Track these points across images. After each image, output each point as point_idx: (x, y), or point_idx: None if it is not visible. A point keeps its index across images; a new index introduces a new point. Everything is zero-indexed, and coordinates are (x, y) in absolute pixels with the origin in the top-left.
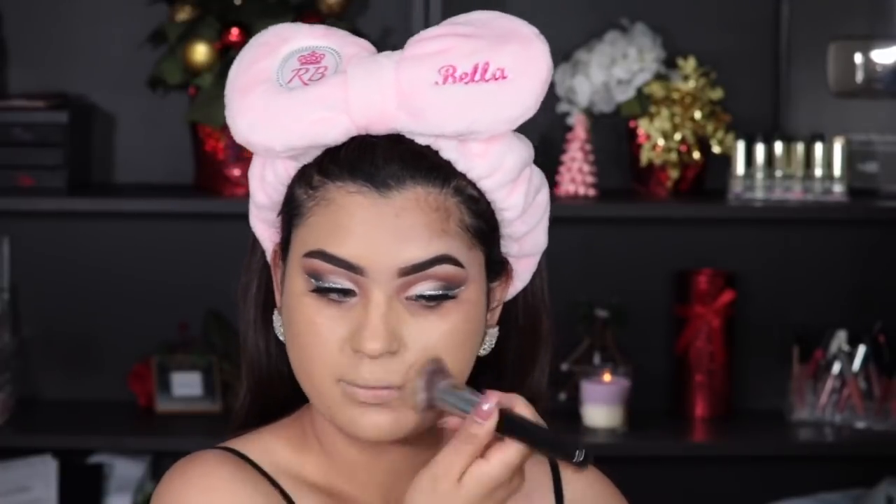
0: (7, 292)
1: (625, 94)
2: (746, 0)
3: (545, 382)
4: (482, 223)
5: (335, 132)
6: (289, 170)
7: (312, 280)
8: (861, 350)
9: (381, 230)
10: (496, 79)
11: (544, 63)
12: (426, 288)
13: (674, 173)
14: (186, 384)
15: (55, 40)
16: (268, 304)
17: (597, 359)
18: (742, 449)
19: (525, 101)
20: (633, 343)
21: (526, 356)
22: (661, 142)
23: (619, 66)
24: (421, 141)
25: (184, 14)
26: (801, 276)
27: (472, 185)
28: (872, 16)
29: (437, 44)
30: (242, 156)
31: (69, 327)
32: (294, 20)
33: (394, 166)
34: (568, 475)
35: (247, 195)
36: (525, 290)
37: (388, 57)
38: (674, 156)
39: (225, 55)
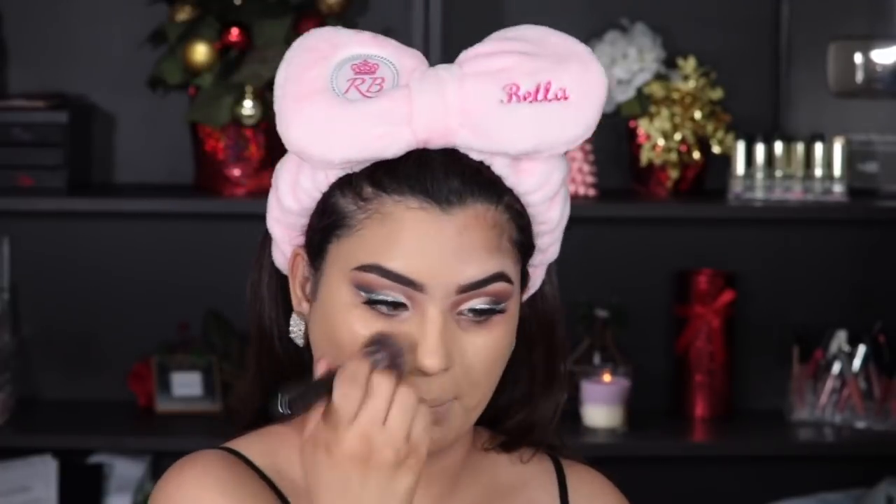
0: (7, 292)
1: (625, 94)
2: (746, 0)
3: (564, 391)
4: (526, 238)
5: (396, 147)
6: (330, 177)
7: (363, 293)
8: (861, 350)
9: (443, 247)
10: (558, 99)
11: (603, 84)
12: (477, 303)
13: (674, 173)
14: (186, 384)
15: (55, 40)
16: (279, 298)
17: (597, 359)
18: (742, 449)
19: (587, 122)
20: (633, 343)
21: (546, 364)
22: (661, 142)
23: (619, 66)
24: (475, 156)
25: (184, 14)
26: (801, 276)
27: (517, 200)
28: (872, 16)
29: (499, 61)
30: (242, 156)
31: (69, 327)
32: (294, 20)
33: (454, 182)
34: (574, 482)
35: (246, 195)
36: (536, 298)
37: (448, 71)
38: (674, 156)
39: (225, 55)
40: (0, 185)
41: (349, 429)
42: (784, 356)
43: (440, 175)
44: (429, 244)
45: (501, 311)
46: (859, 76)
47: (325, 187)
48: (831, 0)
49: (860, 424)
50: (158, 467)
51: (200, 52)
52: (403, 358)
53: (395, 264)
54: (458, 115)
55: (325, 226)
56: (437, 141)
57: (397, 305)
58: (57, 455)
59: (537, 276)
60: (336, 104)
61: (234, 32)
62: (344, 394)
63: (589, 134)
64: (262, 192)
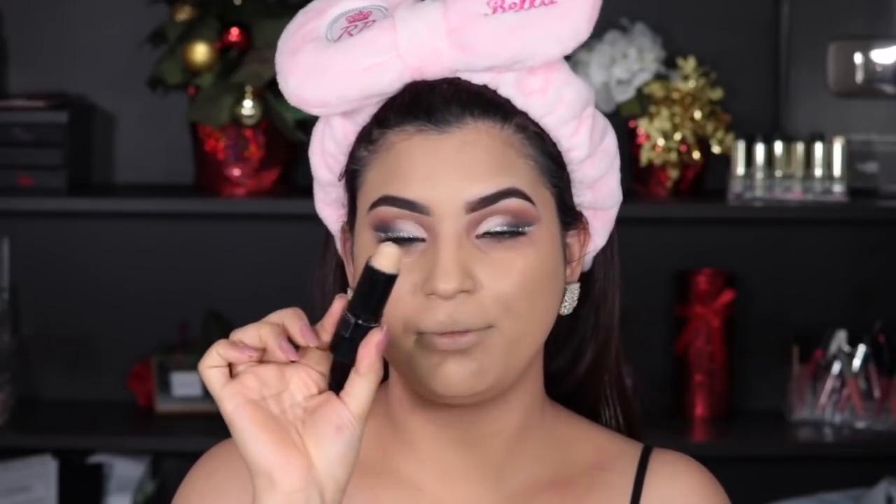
0: (7, 292)
1: (625, 94)
2: (746, 0)
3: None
4: (549, 161)
5: (388, 77)
6: (348, 134)
7: (380, 233)
8: (861, 350)
9: (443, 167)
10: (545, 4)
11: None
12: (495, 224)
13: (674, 173)
14: (186, 384)
15: (55, 40)
16: (342, 289)
17: None
18: (742, 449)
19: (574, 21)
20: (633, 343)
21: (600, 330)
22: (660, 142)
23: (619, 66)
24: (477, 80)
25: (184, 14)
26: (801, 276)
27: (535, 123)
28: (872, 16)
29: None
30: (242, 156)
31: (69, 327)
32: None
33: (452, 105)
34: (656, 465)
35: (246, 195)
36: (595, 267)
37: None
38: (674, 156)
39: (225, 55)
40: (0, 185)
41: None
42: (784, 356)
43: (437, 99)
44: (429, 166)
45: (523, 234)
46: (859, 76)
47: (347, 147)
48: (831, 0)
49: (860, 424)
50: (158, 467)
51: (200, 52)
52: (390, 282)
53: (401, 190)
54: (445, 36)
55: (350, 181)
56: (431, 68)
57: (413, 240)
58: (57, 455)
59: (601, 223)
60: (325, 47)
61: (234, 32)
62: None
63: (581, 36)
64: (262, 192)
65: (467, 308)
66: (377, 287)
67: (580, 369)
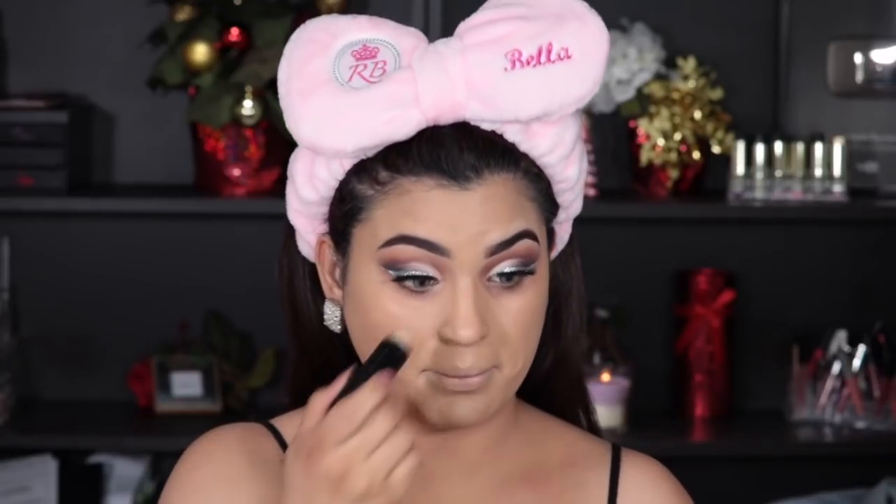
0: (7, 292)
1: (625, 94)
2: (746, 0)
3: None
4: (547, 199)
5: (407, 128)
6: (345, 165)
7: (391, 271)
8: (861, 350)
9: (466, 217)
10: (561, 59)
11: (603, 39)
12: (506, 266)
13: (674, 173)
14: (186, 384)
15: (55, 40)
16: (313, 285)
17: (597, 359)
18: (742, 449)
19: (593, 78)
20: (633, 343)
21: (555, 336)
22: (660, 142)
23: (618, 66)
24: (486, 127)
25: (184, 14)
26: (801, 276)
27: (533, 163)
28: (872, 16)
29: (497, 29)
30: (242, 156)
31: (69, 327)
32: (294, 20)
33: (469, 157)
34: (627, 467)
35: (246, 195)
36: (555, 267)
37: (448, 45)
38: (674, 156)
39: (225, 55)
40: (0, 185)
41: (335, 449)
42: (784, 356)
43: (454, 151)
44: (451, 213)
45: (531, 273)
46: (859, 76)
47: (341, 175)
48: (831, 0)
49: (860, 424)
50: (158, 467)
51: (200, 52)
52: (404, 357)
53: (420, 231)
54: (465, 88)
55: (345, 212)
56: (446, 117)
57: (425, 280)
58: (57, 455)
59: (564, 231)
60: (342, 94)
61: (234, 32)
62: (341, 415)
63: (596, 89)
64: (262, 192)
65: (478, 353)
66: (393, 363)
67: (543, 366)
